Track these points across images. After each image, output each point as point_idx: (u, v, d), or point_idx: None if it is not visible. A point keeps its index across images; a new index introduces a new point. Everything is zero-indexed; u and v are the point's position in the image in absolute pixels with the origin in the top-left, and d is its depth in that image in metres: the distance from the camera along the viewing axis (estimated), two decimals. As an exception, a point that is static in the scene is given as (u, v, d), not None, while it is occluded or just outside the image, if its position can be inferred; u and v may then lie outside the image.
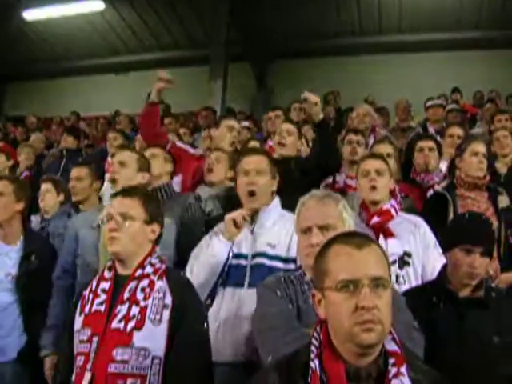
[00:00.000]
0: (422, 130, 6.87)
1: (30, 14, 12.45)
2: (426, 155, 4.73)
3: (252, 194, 3.19)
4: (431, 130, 6.74)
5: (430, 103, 7.05)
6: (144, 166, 3.92)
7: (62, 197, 4.94)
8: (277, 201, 3.27)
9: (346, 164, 5.09)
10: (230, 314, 3.00)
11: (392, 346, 1.74)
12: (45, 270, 3.75)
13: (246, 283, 3.03)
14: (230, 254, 3.07)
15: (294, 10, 11.60)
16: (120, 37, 13.66)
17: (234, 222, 3.03)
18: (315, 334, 1.79)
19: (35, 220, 4.90)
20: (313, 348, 1.75)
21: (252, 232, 3.17)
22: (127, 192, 2.74)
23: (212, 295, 3.10)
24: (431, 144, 4.80)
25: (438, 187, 4.42)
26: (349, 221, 2.49)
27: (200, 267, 3.09)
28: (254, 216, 3.18)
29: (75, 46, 13.93)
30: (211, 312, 3.06)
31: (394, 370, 1.68)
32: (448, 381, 1.80)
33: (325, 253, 1.81)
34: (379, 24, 12.04)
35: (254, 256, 3.09)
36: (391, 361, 1.70)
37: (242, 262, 3.11)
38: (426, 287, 2.94)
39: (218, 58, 11.54)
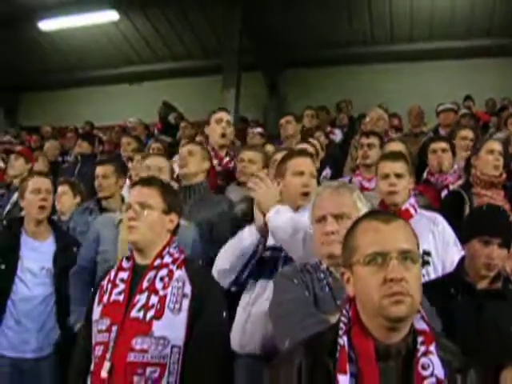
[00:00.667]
0: (434, 134, 6.86)
1: (45, 25, 12.49)
2: (439, 156, 4.77)
3: (306, 194, 3.21)
4: (443, 134, 6.72)
5: (441, 107, 7.06)
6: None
7: (78, 199, 5.03)
8: (279, 208, 3.15)
9: (361, 167, 5.11)
10: (260, 305, 2.97)
11: (421, 325, 1.73)
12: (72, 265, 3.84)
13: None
14: (260, 247, 3.06)
15: (306, 19, 11.61)
16: (134, 47, 13.71)
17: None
18: (344, 312, 1.77)
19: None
20: (341, 325, 1.73)
21: None
22: (146, 181, 2.75)
23: (238, 283, 3.09)
24: (444, 145, 4.84)
25: (453, 186, 4.41)
26: (363, 210, 2.47)
27: (226, 253, 3.11)
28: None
29: (89, 57, 13.99)
30: (242, 303, 3.09)
31: (423, 349, 1.66)
32: (475, 365, 1.75)
33: (353, 230, 1.80)
34: (391, 33, 12.02)
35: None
36: (420, 339, 1.69)
37: (276, 254, 3.11)
38: (443, 279, 2.94)
39: (231, 67, 11.57)
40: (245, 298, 3.11)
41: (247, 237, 3.06)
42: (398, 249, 1.67)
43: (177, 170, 4.54)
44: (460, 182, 4.53)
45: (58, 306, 3.83)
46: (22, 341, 3.70)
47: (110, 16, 12.23)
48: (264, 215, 3.03)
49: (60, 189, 5.02)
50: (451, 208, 3.94)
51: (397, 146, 4.75)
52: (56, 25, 12.50)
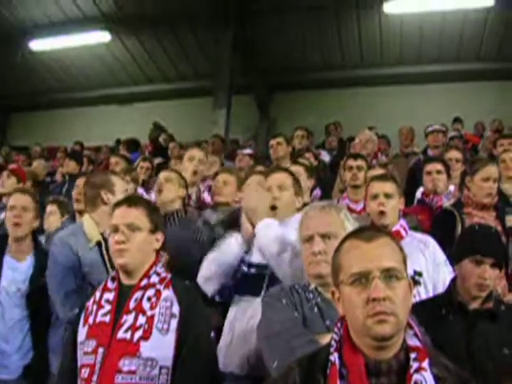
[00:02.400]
0: (423, 155, 6.88)
1: (36, 45, 12.54)
2: (434, 178, 4.77)
3: (273, 208, 3.22)
4: (431, 155, 6.73)
5: (430, 129, 7.06)
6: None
7: (66, 218, 4.96)
8: (270, 222, 3.19)
9: (349, 189, 5.12)
10: (245, 324, 2.99)
11: (414, 341, 1.72)
12: None
13: (263, 292, 3.01)
14: (246, 258, 3.10)
15: (296, 43, 11.76)
16: (125, 68, 13.74)
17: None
18: (336, 330, 1.77)
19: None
20: (333, 343, 1.74)
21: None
22: (131, 201, 2.70)
23: (222, 294, 3.12)
24: (439, 167, 4.84)
25: (446, 204, 4.40)
26: (350, 229, 2.44)
27: (210, 261, 3.13)
28: None
29: (80, 77, 14.05)
30: (227, 320, 3.10)
31: (415, 365, 1.65)
32: (474, 380, 1.75)
33: (338, 249, 1.81)
34: (380, 56, 12.13)
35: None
36: (413, 355, 1.67)
37: (262, 271, 3.11)
38: (434, 300, 2.91)
39: (222, 88, 11.61)
40: (230, 314, 3.12)
41: (234, 247, 3.09)
42: (381, 267, 1.66)
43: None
44: (452, 200, 4.52)
45: (32, 329, 3.73)
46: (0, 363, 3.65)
47: (102, 37, 12.29)
48: (253, 225, 3.04)
49: (48, 208, 4.98)
50: (443, 226, 3.95)
51: (378, 172, 4.76)
52: (47, 45, 12.56)
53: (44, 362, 3.59)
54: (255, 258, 3.14)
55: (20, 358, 3.66)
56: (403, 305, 1.67)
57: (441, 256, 3.39)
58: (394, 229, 3.51)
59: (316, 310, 2.32)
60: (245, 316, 3.01)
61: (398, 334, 1.67)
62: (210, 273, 3.09)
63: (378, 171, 4.84)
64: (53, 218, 4.95)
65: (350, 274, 1.69)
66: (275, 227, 3.03)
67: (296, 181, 3.44)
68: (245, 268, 3.17)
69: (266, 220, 3.03)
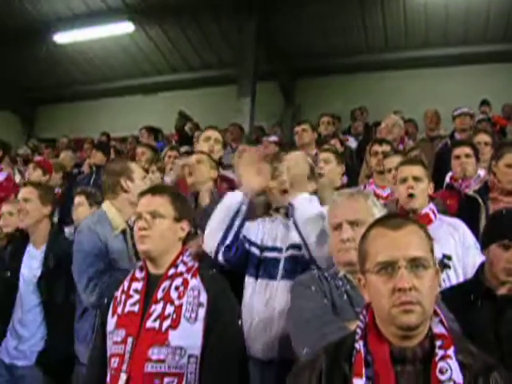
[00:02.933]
0: (450, 139, 6.80)
1: (61, 38, 12.61)
2: (462, 162, 4.71)
3: (285, 191, 3.23)
4: (458, 139, 6.65)
5: (457, 112, 6.98)
6: None
7: (94, 209, 4.96)
8: (313, 198, 3.23)
9: (375, 174, 5.10)
10: (263, 308, 3.03)
11: (440, 329, 1.72)
12: (65, 273, 3.69)
13: (280, 275, 3.07)
14: (243, 208, 3.13)
15: (320, 27, 11.65)
16: (149, 58, 13.77)
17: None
18: (361, 317, 1.78)
19: (68, 231, 4.95)
20: (358, 330, 1.75)
21: (287, 225, 3.21)
22: (156, 190, 2.72)
23: (225, 245, 3.14)
24: (467, 150, 4.77)
25: (469, 191, 4.35)
26: (378, 216, 2.45)
27: (213, 213, 3.17)
28: (288, 211, 3.20)
29: (105, 68, 14.15)
30: (244, 306, 3.10)
31: (440, 353, 1.66)
32: (501, 365, 1.74)
33: (365, 236, 1.81)
34: (405, 39, 11.98)
35: (288, 248, 3.13)
36: (438, 343, 1.68)
37: (276, 254, 3.15)
38: (463, 286, 2.90)
39: (246, 76, 11.57)
40: (246, 298, 3.15)
41: (230, 196, 3.15)
42: (407, 256, 1.67)
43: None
44: (478, 186, 4.47)
45: (46, 316, 3.81)
46: (14, 347, 3.77)
47: (126, 28, 12.31)
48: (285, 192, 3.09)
49: (76, 200, 4.99)
50: (467, 213, 3.91)
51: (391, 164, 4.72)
52: (71, 37, 12.63)
53: (57, 351, 3.66)
54: (268, 241, 3.20)
55: (35, 343, 3.76)
56: (429, 294, 1.67)
57: (470, 239, 3.40)
58: (422, 212, 3.54)
59: (345, 297, 2.35)
60: (262, 300, 3.05)
61: (424, 323, 1.68)
62: (212, 226, 3.14)
63: (395, 160, 4.77)
64: (81, 209, 4.90)
65: (376, 263, 1.70)
66: (317, 204, 3.05)
67: (312, 168, 3.44)
68: (256, 251, 3.20)
69: (307, 194, 3.06)
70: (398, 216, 1.87)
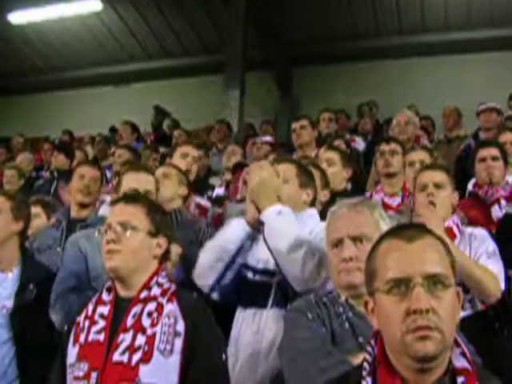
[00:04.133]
0: (474, 139, 6.82)
1: (16, 17, 12.56)
2: (489, 166, 4.68)
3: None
4: (483, 138, 6.67)
5: (482, 107, 7.00)
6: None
7: (52, 220, 4.95)
8: (311, 212, 3.28)
9: (383, 179, 5.11)
10: (250, 343, 3.03)
11: (462, 362, 1.68)
12: (45, 304, 3.59)
13: (270, 302, 3.06)
14: (247, 244, 3.13)
15: (320, 7, 11.68)
16: (120, 42, 13.79)
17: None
18: (369, 349, 1.76)
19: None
20: (365, 364, 1.72)
21: None
22: (130, 198, 2.73)
23: (220, 287, 3.14)
24: (495, 152, 4.74)
25: (509, 208, 4.32)
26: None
27: (210, 246, 3.17)
28: None
29: (68, 54, 14.12)
30: (230, 341, 3.10)
31: None
32: None
33: (373, 251, 1.80)
34: (422, 21, 12.02)
35: (280, 272, 3.08)
36: (460, 380, 1.65)
37: (267, 279, 3.13)
38: (486, 312, 2.90)
39: (234, 64, 11.55)
40: (234, 330, 3.15)
41: (234, 227, 3.13)
42: (424, 273, 1.64)
43: None
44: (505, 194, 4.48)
45: (17, 355, 3.69)
46: None
47: (93, 6, 12.26)
48: (258, 210, 3.06)
49: (32, 210, 4.98)
50: (507, 232, 3.88)
51: (418, 156, 4.79)
52: (28, 17, 12.57)
53: None
54: (259, 263, 3.18)
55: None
56: (450, 318, 1.64)
57: (490, 247, 3.37)
58: (445, 225, 3.48)
59: (347, 325, 2.32)
60: (250, 333, 3.04)
61: (443, 354, 1.64)
62: (208, 262, 3.12)
63: (420, 154, 4.84)
64: (38, 221, 4.91)
65: (386, 280, 1.67)
66: (290, 216, 3.03)
67: (303, 172, 3.45)
68: (250, 274, 3.20)
69: (278, 206, 3.03)
70: (413, 226, 1.83)
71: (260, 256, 3.18)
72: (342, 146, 6.71)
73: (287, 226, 2.96)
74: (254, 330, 3.03)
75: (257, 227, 3.11)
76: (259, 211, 3.05)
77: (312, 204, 3.40)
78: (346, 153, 5.36)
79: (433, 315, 1.60)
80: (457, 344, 1.71)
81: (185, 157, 5.25)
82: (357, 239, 2.44)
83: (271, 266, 3.11)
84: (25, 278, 3.79)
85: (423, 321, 1.59)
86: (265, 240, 3.00)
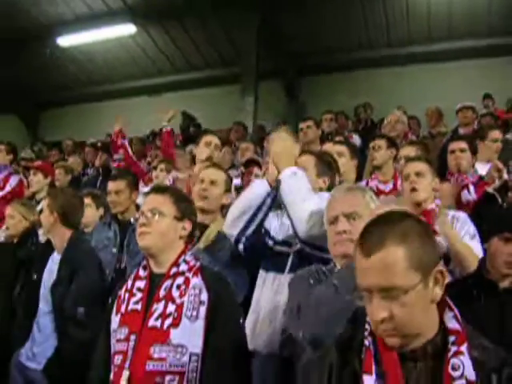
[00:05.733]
0: (454, 134, 6.82)
1: (64, 41, 12.69)
2: (457, 156, 4.75)
3: None
4: (462, 133, 6.70)
5: (459, 106, 7.04)
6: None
7: (101, 211, 5.02)
8: (325, 195, 3.18)
9: (376, 170, 5.14)
10: (269, 302, 3.08)
11: (453, 324, 1.67)
12: (74, 284, 3.68)
13: (288, 269, 3.10)
14: (268, 200, 3.14)
15: (321, 24, 11.63)
16: (152, 59, 13.82)
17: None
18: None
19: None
20: (367, 326, 1.71)
21: None
22: (158, 189, 2.76)
23: (246, 236, 3.16)
24: (463, 145, 4.81)
25: (489, 188, 4.27)
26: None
27: (237, 201, 3.22)
28: None
29: (108, 70, 14.19)
30: (253, 298, 3.18)
31: (453, 349, 1.61)
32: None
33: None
34: (408, 34, 11.96)
35: (298, 243, 3.12)
36: (451, 339, 1.63)
37: (286, 248, 3.18)
38: (465, 280, 2.89)
39: (249, 75, 11.61)
40: (256, 291, 3.21)
41: (257, 185, 3.17)
42: (378, 287, 1.58)
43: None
44: (497, 183, 4.40)
45: (56, 324, 3.76)
46: (30, 349, 3.77)
47: (128, 29, 12.38)
48: (278, 171, 3.10)
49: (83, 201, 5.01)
50: (483, 211, 3.87)
51: (409, 152, 4.82)
52: (74, 40, 12.70)
53: (64, 361, 3.59)
54: (279, 235, 3.23)
55: (46, 348, 3.71)
56: (414, 315, 1.59)
57: (469, 228, 3.40)
58: (428, 207, 3.56)
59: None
60: (270, 294, 3.09)
61: (418, 337, 1.63)
62: (235, 214, 3.16)
63: (408, 149, 4.87)
64: (88, 210, 4.87)
65: (359, 287, 1.66)
66: (303, 178, 3.07)
67: (321, 162, 3.46)
68: (271, 243, 3.24)
69: (294, 168, 3.07)
70: (378, 230, 1.66)
71: (281, 228, 3.25)
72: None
73: (300, 183, 3.02)
74: (274, 291, 3.08)
75: (276, 186, 3.14)
76: (279, 172, 3.10)
77: (329, 189, 3.33)
78: (353, 145, 5.35)
79: (390, 322, 1.57)
80: (450, 308, 1.70)
81: (208, 145, 5.21)
82: (350, 216, 2.46)
83: (290, 238, 3.16)
84: (65, 259, 3.85)
85: (383, 326, 1.59)
86: (280, 195, 3.04)
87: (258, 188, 3.17)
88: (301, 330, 2.22)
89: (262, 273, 3.26)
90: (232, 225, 3.17)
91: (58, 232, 3.95)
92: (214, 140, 5.28)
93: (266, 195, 3.12)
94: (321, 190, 3.33)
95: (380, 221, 1.69)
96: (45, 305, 3.80)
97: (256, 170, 5.49)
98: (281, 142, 3.19)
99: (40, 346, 3.73)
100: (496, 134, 5.46)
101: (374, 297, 1.58)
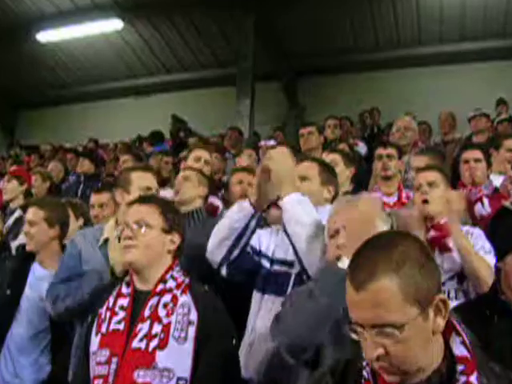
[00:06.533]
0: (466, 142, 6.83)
1: (44, 36, 12.61)
2: (471, 167, 4.72)
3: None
4: (476, 142, 6.68)
5: (471, 113, 7.03)
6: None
7: (81, 221, 5.00)
8: (304, 199, 3.11)
9: (380, 181, 5.10)
10: (267, 324, 3.00)
11: (461, 351, 1.62)
12: None
13: (289, 291, 3.01)
14: (253, 222, 3.04)
15: (325, 24, 11.67)
16: (140, 58, 13.83)
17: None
18: None
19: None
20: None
21: None
22: (144, 199, 2.76)
23: (229, 262, 3.10)
24: (477, 155, 4.78)
25: (506, 202, 4.22)
26: (381, 226, 2.45)
27: (217, 228, 3.12)
28: None
29: (92, 69, 14.16)
30: (248, 321, 3.14)
31: (462, 379, 1.57)
32: None
33: None
34: (418, 35, 12.01)
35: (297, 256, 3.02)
36: (460, 368, 1.59)
37: (287, 269, 3.11)
38: (478, 300, 2.90)
39: (245, 75, 11.62)
40: (253, 313, 3.15)
41: (239, 208, 3.05)
42: (371, 324, 1.54)
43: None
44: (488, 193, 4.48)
45: (52, 342, 3.79)
46: (14, 375, 3.71)
47: (114, 25, 12.32)
48: (260, 195, 3.00)
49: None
50: (501, 225, 3.85)
51: (420, 163, 4.77)
52: (55, 36, 12.64)
53: (61, 379, 3.54)
54: (279, 253, 3.16)
55: (35, 371, 3.70)
56: (410, 353, 1.55)
57: (486, 245, 3.37)
58: (442, 221, 3.55)
59: (341, 310, 2.25)
60: (267, 317, 2.96)
61: (422, 370, 1.59)
62: (216, 240, 3.07)
63: (421, 159, 4.84)
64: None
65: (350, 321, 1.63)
66: (309, 205, 2.95)
67: (325, 169, 3.44)
68: (267, 263, 3.18)
69: (298, 194, 2.93)
70: (376, 248, 1.62)
71: (279, 245, 3.18)
72: (345, 149, 6.69)
73: (307, 213, 2.88)
74: (271, 317, 2.91)
75: (260, 211, 3.06)
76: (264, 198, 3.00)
77: (333, 200, 3.31)
78: (347, 153, 5.32)
79: (385, 360, 1.54)
80: (457, 333, 1.65)
81: (198, 160, 5.26)
82: None
83: (290, 257, 3.06)
84: None
85: (378, 364, 1.56)
86: (284, 225, 2.92)
87: (240, 210, 3.06)
88: (279, 338, 2.25)
89: (256, 295, 3.19)
90: (214, 251, 3.09)
91: (51, 246, 3.96)
92: (204, 155, 5.34)
93: (250, 218, 3.03)
94: (326, 200, 3.31)
95: (373, 244, 1.64)
96: (35, 323, 3.78)
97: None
98: (281, 159, 3.00)
99: (25, 369, 3.70)
100: (510, 142, 5.39)
101: (368, 333, 1.54)
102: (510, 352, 2.47)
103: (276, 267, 3.16)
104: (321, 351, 2.22)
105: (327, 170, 3.46)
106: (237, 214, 3.05)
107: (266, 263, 3.20)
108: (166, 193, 5.72)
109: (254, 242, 3.18)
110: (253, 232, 3.08)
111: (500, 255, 2.84)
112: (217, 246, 3.08)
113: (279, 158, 3.01)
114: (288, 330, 2.22)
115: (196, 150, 5.46)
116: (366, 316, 1.54)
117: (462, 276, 3.31)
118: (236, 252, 3.07)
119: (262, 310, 3.10)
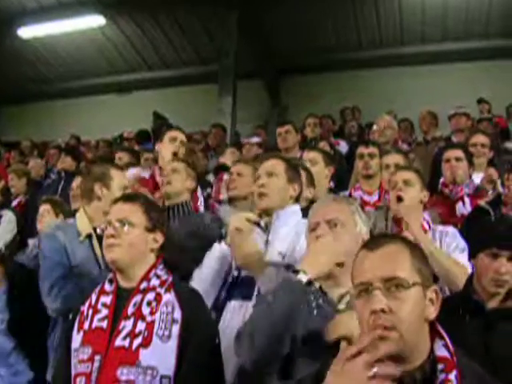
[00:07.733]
0: (446, 142, 6.90)
1: (25, 32, 12.51)
2: (452, 166, 4.73)
3: (261, 194, 3.27)
4: (455, 141, 6.72)
5: (452, 112, 7.06)
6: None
7: (61, 218, 4.97)
8: (294, 208, 3.26)
9: (361, 179, 5.15)
10: (235, 330, 3.03)
11: (442, 352, 1.71)
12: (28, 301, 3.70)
13: (255, 295, 3.01)
14: (234, 263, 3.10)
15: (307, 22, 11.64)
16: (122, 54, 13.77)
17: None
18: None
19: (32, 243, 4.95)
20: None
21: (266, 241, 3.17)
22: (128, 197, 2.78)
23: (217, 307, 3.15)
24: (459, 153, 4.80)
25: (481, 202, 4.34)
26: (360, 225, 2.49)
27: (200, 279, 3.17)
28: (268, 225, 3.21)
29: (74, 65, 14.06)
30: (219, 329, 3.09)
31: (442, 377, 1.66)
32: None
33: (353, 262, 1.83)
34: (401, 34, 12.10)
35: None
36: (440, 366, 1.67)
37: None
38: (451, 299, 2.90)
39: (227, 73, 11.63)
40: (223, 320, 3.15)
41: (219, 257, 3.16)
42: (380, 277, 1.67)
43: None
44: (489, 197, 4.49)
45: (29, 356, 3.76)
46: None
47: (96, 21, 12.22)
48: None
49: (42, 208, 4.98)
50: (474, 224, 3.88)
51: (393, 159, 4.79)
52: (37, 31, 12.53)
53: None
54: None
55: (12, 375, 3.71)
56: (411, 318, 1.66)
57: (460, 244, 3.43)
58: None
59: (315, 312, 2.28)
60: (237, 321, 3.02)
61: (413, 352, 1.67)
62: (200, 288, 3.02)
63: (395, 157, 4.84)
64: (47, 218, 4.94)
65: (355, 286, 1.73)
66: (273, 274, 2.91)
67: (291, 168, 3.45)
68: (235, 272, 3.22)
69: (271, 271, 2.90)
70: (384, 236, 1.87)
71: None
72: (326, 147, 6.76)
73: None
74: (241, 319, 2.98)
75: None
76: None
77: (297, 199, 3.40)
78: (327, 152, 5.38)
79: (390, 315, 1.63)
80: (440, 337, 1.75)
81: (174, 140, 5.24)
82: (331, 222, 2.43)
83: None
84: (12, 288, 3.91)
85: (380, 320, 1.63)
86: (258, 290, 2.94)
87: (220, 259, 3.17)
88: (241, 357, 2.26)
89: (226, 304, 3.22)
90: (205, 296, 2.99)
91: None
92: (180, 136, 5.31)
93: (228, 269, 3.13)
94: (291, 198, 3.34)
95: (378, 238, 1.85)
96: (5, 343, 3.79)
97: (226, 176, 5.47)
98: (251, 243, 3.04)
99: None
100: (475, 138, 5.51)
101: (374, 290, 1.65)
102: (482, 350, 2.51)
103: (242, 273, 3.18)
104: (291, 364, 2.22)
105: (293, 169, 3.47)
106: (216, 259, 3.22)
107: (234, 272, 3.23)
108: (134, 170, 5.76)
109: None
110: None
111: (472, 253, 2.90)
112: (205, 293, 2.99)
113: (245, 238, 3.05)
114: (249, 348, 2.19)
115: (171, 131, 5.43)
116: (378, 270, 1.69)
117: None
118: (224, 293, 3.20)
119: (229, 316, 3.11)
